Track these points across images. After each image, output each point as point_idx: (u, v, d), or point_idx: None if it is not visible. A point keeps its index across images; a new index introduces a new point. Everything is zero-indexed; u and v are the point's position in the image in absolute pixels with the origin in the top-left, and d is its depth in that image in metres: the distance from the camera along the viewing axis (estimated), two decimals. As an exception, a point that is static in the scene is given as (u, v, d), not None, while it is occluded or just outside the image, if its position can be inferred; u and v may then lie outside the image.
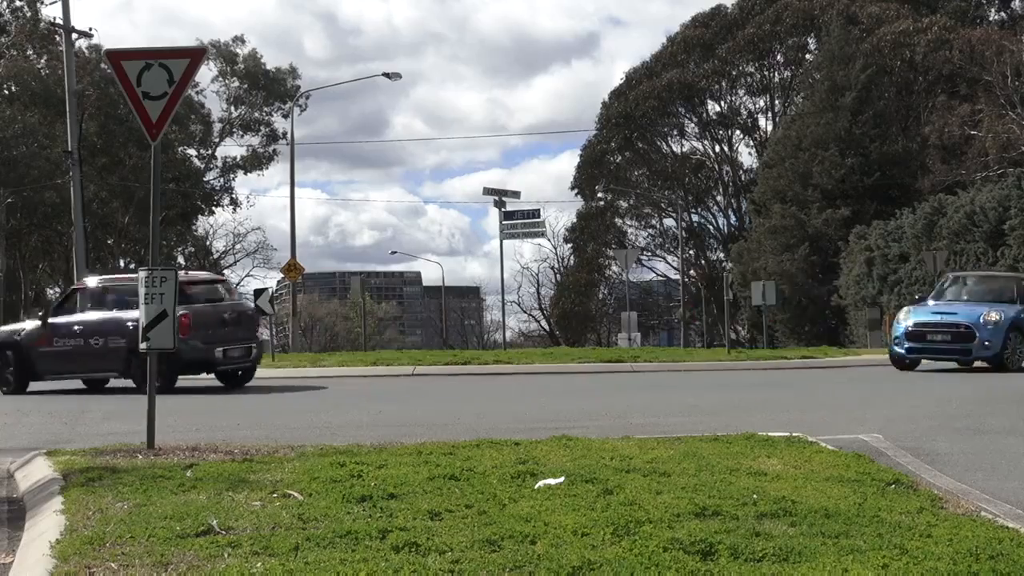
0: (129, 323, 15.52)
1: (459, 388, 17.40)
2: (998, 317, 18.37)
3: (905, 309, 20.20)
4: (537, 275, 72.04)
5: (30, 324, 17.78)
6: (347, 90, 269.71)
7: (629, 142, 63.94)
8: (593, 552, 4.60)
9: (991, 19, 56.19)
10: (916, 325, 19.09)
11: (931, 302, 19.92)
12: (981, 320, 18.40)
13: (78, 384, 17.88)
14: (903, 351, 19.19)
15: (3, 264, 48.95)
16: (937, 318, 19.11)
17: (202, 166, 63.14)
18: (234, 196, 64.06)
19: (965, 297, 20.06)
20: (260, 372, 21.92)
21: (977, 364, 19.02)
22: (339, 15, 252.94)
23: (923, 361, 19.53)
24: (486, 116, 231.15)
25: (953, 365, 19.40)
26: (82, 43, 46.45)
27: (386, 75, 40.36)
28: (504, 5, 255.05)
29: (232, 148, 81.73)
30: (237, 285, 70.72)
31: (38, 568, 4.62)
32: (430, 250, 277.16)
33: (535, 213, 29.30)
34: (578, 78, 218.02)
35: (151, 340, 8.37)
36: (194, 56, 8.72)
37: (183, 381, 17.29)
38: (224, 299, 18.30)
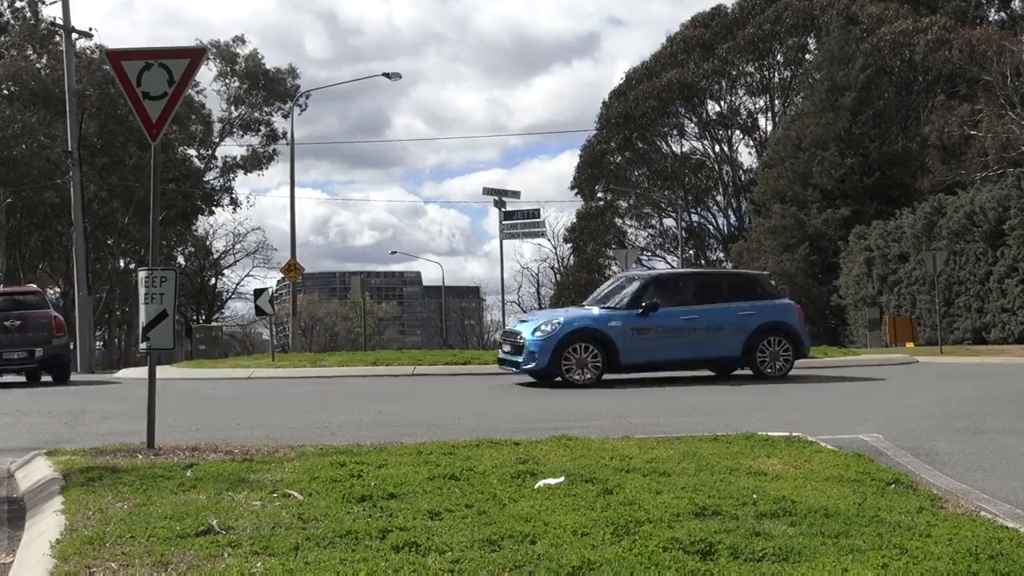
0: None
1: (459, 388, 17.37)
2: (549, 328, 16.49)
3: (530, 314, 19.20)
4: (537, 275, 72.25)
5: None
6: (347, 90, 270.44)
7: (629, 142, 63.99)
8: (593, 552, 4.60)
9: (991, 19, 56.23)
10: (503, 333, 18.06)
11: (593, 308, 17.44)
12: (534, 331, 16.60)
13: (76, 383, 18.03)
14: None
15: (3, 264, 48.92)
16: (513, 326, 17.85)
17: (202, 166, 63.18)
18: (234, 196, 64.21)
19: (600, 300, 17.75)
20: (259, 372, 21.97)
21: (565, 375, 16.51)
22: (339, 15, 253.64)
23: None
24: (486, 116, 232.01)
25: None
26: (82, 43, 46.52)
27: (386, 75, 40.35)
28: (504, 5, 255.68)
29: (232, 148, 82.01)
30: (237, 285, 71.09)
31: (38, 568, 4.62)
32: (430, 250, 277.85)
33: (535, 213, 29.22)
34: (578, 78, 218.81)
35: (151, 340, 8.34)
36: (194, 56, 8.70)
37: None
38: (27, 307, 20.11)
